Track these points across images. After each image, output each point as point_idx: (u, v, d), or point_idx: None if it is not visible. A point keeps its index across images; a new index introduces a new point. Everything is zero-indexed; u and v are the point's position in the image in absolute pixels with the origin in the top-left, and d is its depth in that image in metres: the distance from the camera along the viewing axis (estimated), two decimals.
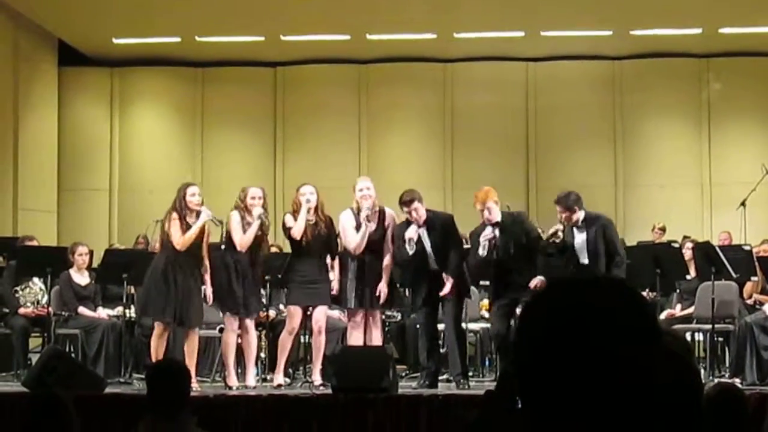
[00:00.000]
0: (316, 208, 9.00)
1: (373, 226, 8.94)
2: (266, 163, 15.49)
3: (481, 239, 8.90)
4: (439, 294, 8.85)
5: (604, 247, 8.74)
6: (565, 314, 1.42)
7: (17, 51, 14.37)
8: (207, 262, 8.95)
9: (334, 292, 9.03)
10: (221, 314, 9.22)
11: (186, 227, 8.77)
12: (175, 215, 8.81)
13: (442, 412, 7.50)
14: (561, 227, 8.82)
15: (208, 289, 8.93)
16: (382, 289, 8.89)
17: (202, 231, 8.87)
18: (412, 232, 8.92)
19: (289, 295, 9.21)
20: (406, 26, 14.08)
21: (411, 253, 8.89)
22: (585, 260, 8.76)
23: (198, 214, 8.82)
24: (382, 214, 9.06)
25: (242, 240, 8.98)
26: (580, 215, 8.82)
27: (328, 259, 9.17)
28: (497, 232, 8.88)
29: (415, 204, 8.96)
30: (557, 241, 8.79)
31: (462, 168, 15.20)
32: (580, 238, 8.80)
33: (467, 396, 7.90)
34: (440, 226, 9.04)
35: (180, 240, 8.73)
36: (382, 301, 8.95)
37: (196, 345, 8.97)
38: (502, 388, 1.45)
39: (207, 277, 8.94)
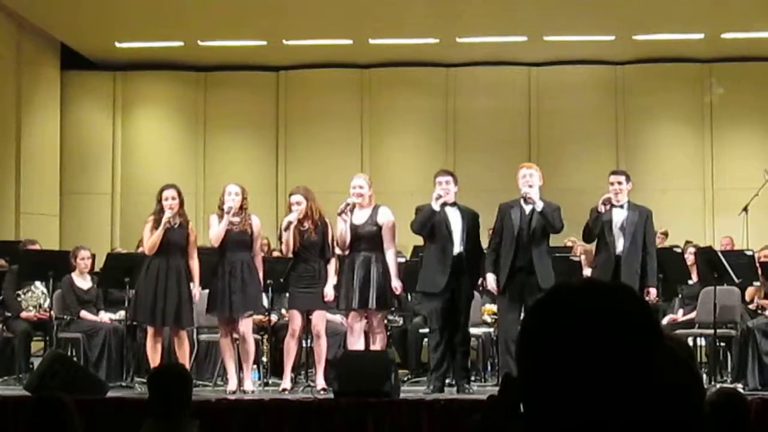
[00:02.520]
0: (308, 215, 9.00)
1: (345, 218, 8.85)
2: (269, 167, 15.50)
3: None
4: (458, 281, 8.79)
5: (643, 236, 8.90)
6: (568, 319, 1.42)
7: (20, 54, 14.39)
8: (194, 264, 9.01)
9: (329, 297, 9.02)
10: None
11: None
12: (150, 218, 8.99)
13: (444, 417, 7.49)
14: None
15: (195, 287, 8.97)
16: (396, 285, 8.88)
17: (183, 232, 8.94)
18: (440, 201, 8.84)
19: (289, 299, 9.29)
20: (408, 30, 14.08)
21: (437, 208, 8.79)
22: (621, 243, 8.82)
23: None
24: (374, 211, 8.99)
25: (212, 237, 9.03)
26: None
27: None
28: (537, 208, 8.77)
29: (450, 179, 8.93)
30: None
31: (464, 172, 15.01)
32: (620, 216, 8.90)
33: (469, 400, 7.90)
34: (471, 215, 8.97)
35: (145, 243, 8.93)
36: (398, 291, 8.98)
37: (187, 348, 9.03)
38: (504, 393, 1.45)
39: (195, 278, 9.00)
